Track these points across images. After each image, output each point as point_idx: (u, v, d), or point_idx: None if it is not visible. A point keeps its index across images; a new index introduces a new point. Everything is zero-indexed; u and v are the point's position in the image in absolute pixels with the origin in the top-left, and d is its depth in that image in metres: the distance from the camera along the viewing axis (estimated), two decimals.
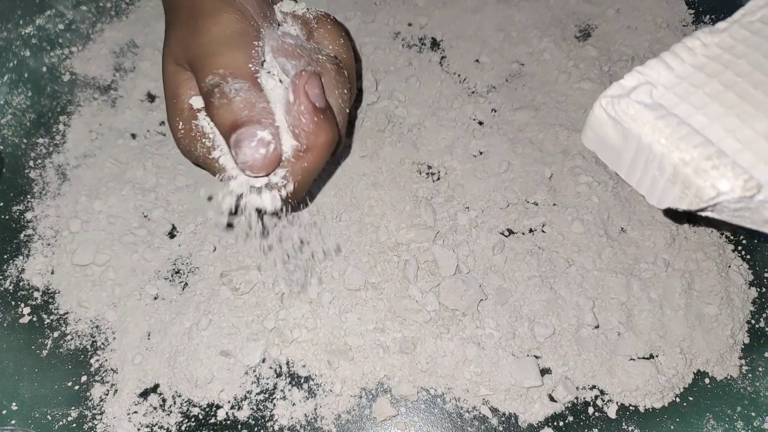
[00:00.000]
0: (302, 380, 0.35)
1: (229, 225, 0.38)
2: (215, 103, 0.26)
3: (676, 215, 0.40)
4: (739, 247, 0.40)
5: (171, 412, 0.35)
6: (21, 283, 0.39)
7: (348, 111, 0.31)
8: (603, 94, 0.25)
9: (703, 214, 0.24)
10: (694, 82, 0.24)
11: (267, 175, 0.27)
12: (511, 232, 0.39)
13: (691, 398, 0.36)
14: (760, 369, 0.37)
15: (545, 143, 0.42)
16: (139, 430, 0.35)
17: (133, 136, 0.43)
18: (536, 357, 0.36)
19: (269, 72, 0.29)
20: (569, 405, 0.35)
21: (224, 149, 0.29)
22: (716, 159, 0.22)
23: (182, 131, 0.29)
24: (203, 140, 0.28)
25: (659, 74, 0.25)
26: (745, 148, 0.22)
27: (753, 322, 0.38)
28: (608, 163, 0.26)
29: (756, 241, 0.40)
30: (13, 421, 0.35)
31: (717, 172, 0.22)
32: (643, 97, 0.24)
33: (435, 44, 0.47)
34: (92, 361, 0.37)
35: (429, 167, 0.41)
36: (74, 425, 0.35)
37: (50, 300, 0.38)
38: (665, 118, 0.23)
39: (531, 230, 0.39)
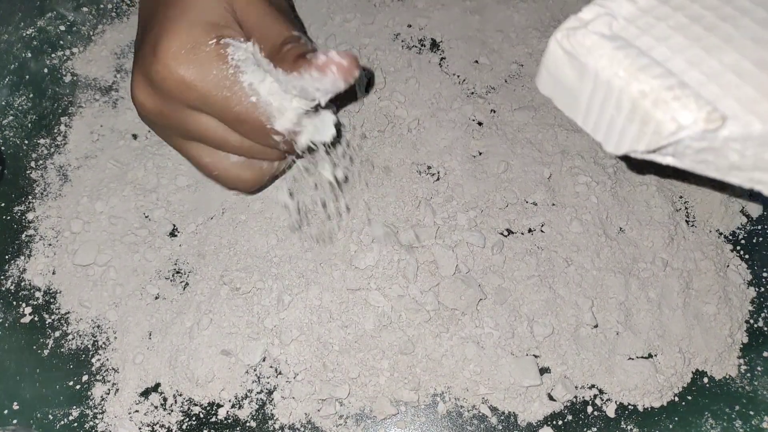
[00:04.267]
0: (302, 379, 0.35)
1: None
2: (297, 47, 0.29)
3: (672, 215, 0.40)
4: (738, 247, 0.40)
5: (172, 411, 0.35)
6: (22, 283, 0.39)
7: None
8: (558, 27, 0.23)
9: (664, 161, 0.22)
10: (658, 15, 0.23)
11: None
12: (510, 232, 0.39)
13: (689, 397, 0.36)
14: (759, 368, 0.37)
15: (544, 143, 0.42)
16: (140, 429, 0.35)
17: (135, 136, 0.44)
18: (535, 356, 0.36)
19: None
20: (568, 404, 0.35)
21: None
22: (678, 90, 0.20)
23: (227, 92, 0.30)
24: (250, 96, 0.30)
25: (621, 6, 0.23)
26: (710, 81, 0.21)
27: (751, 321, 0.38)
28: (564, 109, 0.25)
29: (755, 240, 0.41)
30: (14, 421, 0.35)
31: (678, 103, 0.20)
32: (601, 28, 0.22)
33: (434, 45, 0.47)
34: (93, 360, 0.37)
35: (428, 167, 0.41)
36: (75, 424, 0.35)
37: (51, 300, 0.38)
38: (624, 49, 0.21)
39: (530, 230, 0.39)
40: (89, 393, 0.36)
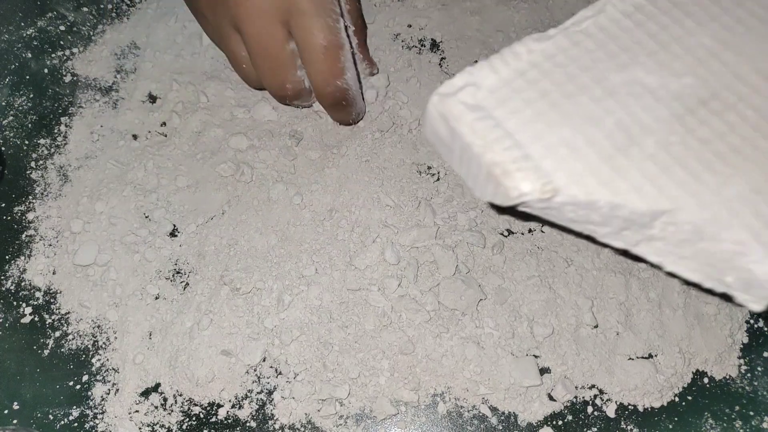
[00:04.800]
0: (302, 379, 0.35)
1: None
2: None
3: None
4: None
5: (172, 411, 0.35)
6: (22, 283, 0.39)
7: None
8: (435, 91, 0.25)
9: (519, 209, 0.25)
10: (515, 87, 0.25)
11: None
12: (510, 232, 0.39)
13: (689, 397, 0.36)
14: (759, 368, 0.37)
15: None
16: (140, 429, 0.35)
17: (135, 137, 0.44)
18: (535, 356, 0.36)
19: None
20: (568, 404, 0.35)
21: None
22: (522, 162, 0.23)
23: (278, 59, 0.36)
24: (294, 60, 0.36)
25: (486, 76, 0.25)
26: (548, 154, 0.23)
27: (752, 321, 0.38)
28: (443, 156, 0.27)
29: None
30: (15, 421, 0.35)
31: (521, 174, 0.23)
32: (467, 97, 0.25)
33: (435, 45, 0.47)
34: (93, 360, 0.37)
35: (429, 168, 0.41)
36: (76, 424, 0.35)
37: (52, 300, 0.38)
38: (482, 121, 0.24)
39: (530, 230, 0.39)
40: (89, 393, 0.36)
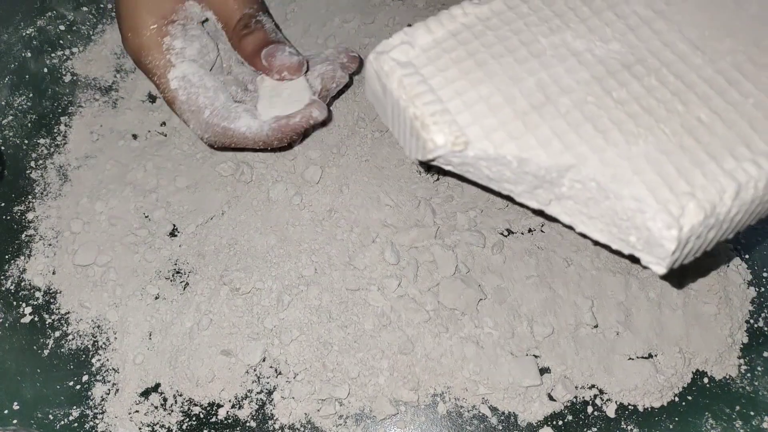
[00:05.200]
0: (302, 379, 0.35)
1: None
2: (252, 27, 0.34)
3: None
4: (738, 247, 0.40)
5: (172, 411, 0.35)
6: (22, 283, 0.39)
7: None
8: (373, 50, 0.27)
9: (446, 168, 0.26)
10: (446, 47, 0.26)
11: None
12: (510, 232, 0.39)
13: (689, 397, 0.36)
14: (759, 368, 0.37)
15: None
16: (140, 429, 0.35)
17: (134, 137, 0.44)
18: (535, 356, 0.36)
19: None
20: (568, 404, 0.35)
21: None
22: (438, 116, 0.24)
23: (156, 79, 0.36)
24: (175, 90, 0.35)
25: (420, 36, 0.27)
26: (466, 109, 0.24)
27: (752, 321, 0.38)
28: (381, 115, 0.29)
29: (755, 240, 0.41)
30: (15, 421, 0.35)
31: (436, 127, 0.24)
32: (399, 55, 0.26)
33: None
34: (93, 360, 0.37)
35: (428, 167, 0.41)
36: (75, 425, 0.35)
37: (51, 300, 0.38)
38: (410, 77, 0.25)
39: (530, 230, 0.39)
40: (89, 393, 0.36)
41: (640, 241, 0.23)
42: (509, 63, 0.25)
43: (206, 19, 0.38)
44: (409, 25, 0.28)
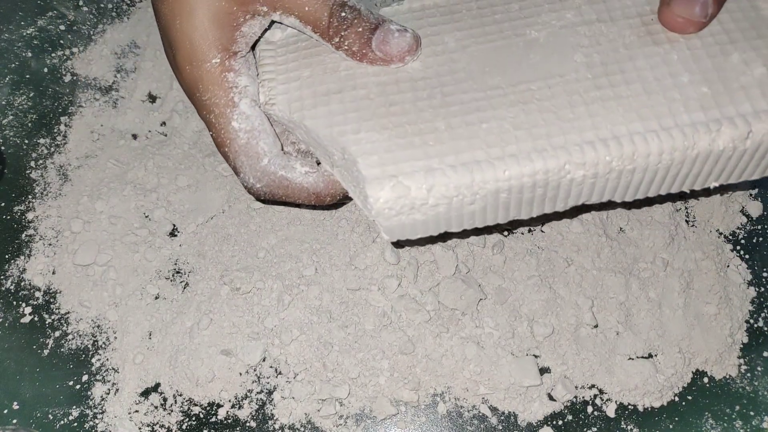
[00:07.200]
0: (302, 379, 0.35)
1: None
2: (349, 18, 0.29)
3: (672, 215, 0.40)
4: (738, 247, 0.40)
5: (172, 411, 0.35)
6: (22, 283, 0.39)
7: None
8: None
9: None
10: (294, 42, 0.32)
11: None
12: (510, 231, 0.39)
13: (689, 397, 0.36)
14: (759, 368, 0.37)
15: None
16: (140, 429, 0.35)
17: (135, 136, 0.44)
18: (535, 356, 0.36)
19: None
20: (568, 404, 0.35)
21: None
22: (266, 83, 0.31)
23: (214, 67, 0.30)
24: (229, 93, 0.30)
25: (277, 33, 0.32)
26: (286, 82, 0.31)
27: (752, 321, 0.38)
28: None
29: (755, 240, 0.41)
30: (14, 421, 0.35)
31: (262, 88, 0.31)
32: (268, 42, 0.32)
33: None
34: (93, 360, 0.37)
35: None
36: (75, 424, 0.35)
37: (51, 300, 0.38)
38: (268, 56, 0.32)
39: (530, 230, 0.39)
40: (89, 393, 0.36)
41: (366, 207, 0.28)
42: (333, 59, 0.30)
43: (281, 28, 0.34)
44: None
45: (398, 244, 0.38)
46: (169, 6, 0.29)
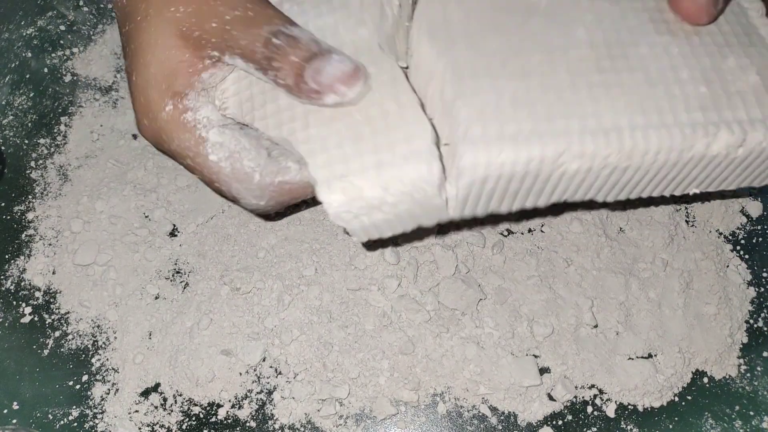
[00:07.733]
0: (302, 379, 0.35)
1: None
2: (282, 45, 0.26)
3: (672, 215, 0.40)
4: (738, 247, 0.40)
5: (172, 411, 0.35)
6: (22, 283, 0.39)
7: None
8: None
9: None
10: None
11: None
12: (510, 232, 0.39)
13: (689, 397, 0.36)
14: (759, 368, 0.37)
15: None
16: (140, 429, 0.35)
17: (134, 136, 0.44)
18: (535, 356, 0.36)
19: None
20: (568, 404, 0.35)
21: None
22: (221, 92, 0.29)
23: (189, 160, 0.29)
24: (194, 131, 0.28)
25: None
26: (235, 92, 0.29)
27: (751, 321, 0.38)
28: None
29: (755, 240, 0.41)
30: (14, 421, 0.35)
31: (223, 96, 0.29)
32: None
33: None
34: (93, 360, 0.37)
35: None
36: (75, 424, 0.35)
37: (51, 300, 0.38)
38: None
39: (530, 230, 0.39)
40: (89, 393, 0.36)
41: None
42: None
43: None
44: None
45: (397, 244, 0.38)
46: (129, 62, 0.28)
